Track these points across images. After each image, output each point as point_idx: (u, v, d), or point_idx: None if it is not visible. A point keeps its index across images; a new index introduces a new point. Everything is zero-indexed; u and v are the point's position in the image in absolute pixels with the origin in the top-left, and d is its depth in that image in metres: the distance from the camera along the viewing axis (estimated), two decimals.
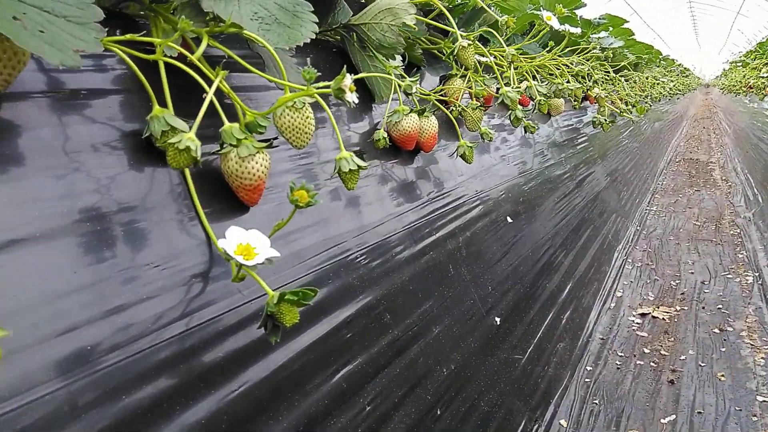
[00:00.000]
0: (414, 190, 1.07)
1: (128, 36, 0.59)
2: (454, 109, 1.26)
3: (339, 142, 0.66)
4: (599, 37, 2.80)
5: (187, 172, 0.62)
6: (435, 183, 1.16)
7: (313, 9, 0.78)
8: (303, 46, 1.07)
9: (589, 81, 2.07)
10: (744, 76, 7.21)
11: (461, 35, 1.01)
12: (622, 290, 1.90)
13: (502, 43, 1.12)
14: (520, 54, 1.85)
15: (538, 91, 1.39)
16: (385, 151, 1.07)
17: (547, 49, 2.36)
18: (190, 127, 0.55)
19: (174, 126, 0.59)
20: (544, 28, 1.32)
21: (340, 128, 1.00)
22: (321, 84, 0.57)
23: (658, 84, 4.20)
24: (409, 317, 0.88)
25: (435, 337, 0.92)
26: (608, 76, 2.54)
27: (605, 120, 2.45)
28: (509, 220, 1.42)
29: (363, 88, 1.11)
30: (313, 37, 0.75)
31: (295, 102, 0.68)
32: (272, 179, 0.78)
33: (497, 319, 1.14)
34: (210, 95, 0.57)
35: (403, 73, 1.07)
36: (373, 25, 1.02)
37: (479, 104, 1.32)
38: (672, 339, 1.54)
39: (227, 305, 0.60)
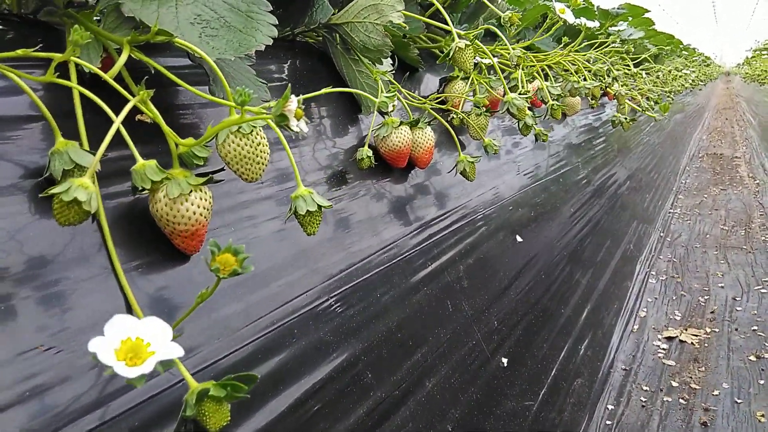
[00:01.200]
0: (407, 213, 0.95)
1: (19, 52, 0.47)
2: (455, 116, 1.14)
3: (296, 177, 0.54)
4: (618, 30, 2.66)
5: (103, 217, 0.50)
6: (433, 203, 1.03)
7: (271, 9, 0.66)
8: (278, 51, 0.94)
9: (608, 77, 1.93)
10: None
11: (459, 34, 0.88)
12: (645, 309, 1.77)
13: (507, 42, 0.99)
14: (532, 51, 1.72)
15: (550, 92, 1.26)
16: (372, 169, 0.95)
17: (562, 44, 2.22)
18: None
19: (80, 164, 0.48)
20: (557, 21, 1.18)
21: (321, 145, 0.89)
22: (256, 110, 0.45)
23: (680, 77, 4.03)
24: (397, 373, 0.76)
25: (429, 393, 0.80)
26: (628, 70, 2.39)
27: (626, 119, 2.31)
28: (519, 239, 1.29)
29: (348, 96, 0.99)
30: (269, 42, 0.62)
31: (241, 126, 0.56)
32: (235, 212, 0.67)
33: (504, 360, 1.01)
34: (117, 122, 0.45)
35: (392, 79, 0.94)
36: (356, 25, 0.90)
37: (484, 109, 1.19)
38: (703, 368, 1.41)
39: (146, 392, 0.48)
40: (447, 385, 0.84)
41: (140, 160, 0.48)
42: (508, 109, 0.91)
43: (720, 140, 6.97)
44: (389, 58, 0.97)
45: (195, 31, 0.61)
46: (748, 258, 2.22)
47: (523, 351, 1.09)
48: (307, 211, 0.52)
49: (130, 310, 0.50)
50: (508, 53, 1.02)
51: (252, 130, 0.56)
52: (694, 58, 7.80)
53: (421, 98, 1.03)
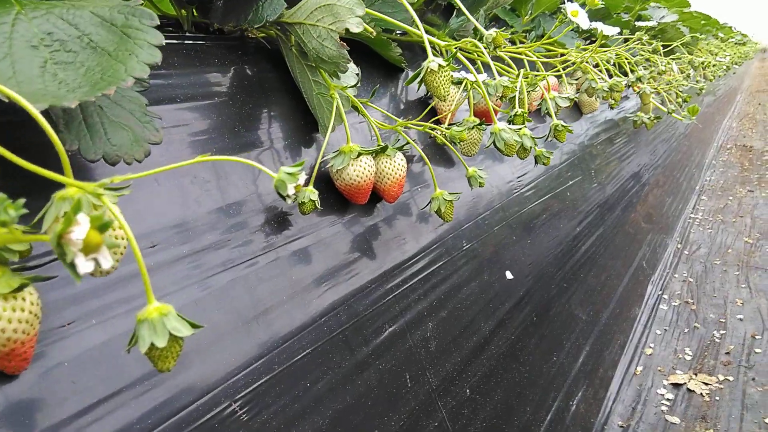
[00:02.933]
0: (363, 263, 0.79)
1: None
2: (439, 134, 0.97)
3: (147, 290, 0.39)
4: (645, 13, 2.45)
5: None
6: (401, 244, 0.88)
7: (158, 23, 0.49)
8: (222, 51, 0.78)
9: (632, 75, 1.74)
10: None
11: (434, 46, 0.71)
12: (653, 344, 1.62)
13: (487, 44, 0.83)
14: (546, 45, 1.54)
15: (557, 105, 1.09)
16: (327, 204, 0.79)
17: (586, 37, 2.02)
18: None
19: None
20: (568, 22, 1.00)
21: (264, 175, 0.73)
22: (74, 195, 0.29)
23: (714, 65, 3.80)
24: None
25: None
26: (657, 61, 2.19)
27: (649, 118, 2.13)
28: (509, 275, 1.13)
29: (305, 109, 0.83)
30: (144, 74, 0.47)
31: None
32: (102, 297, 0.52)
33: None
34: None
35: (351, 97, 0.78)
36: (308, 28, 0.73)
37: (477, 122, 1.03)
38: (711, 431, 1.27)
39: None
40: None
41: None
42: (494, 143, 0.75)
43: (751, 129, 6.71)
44: (352, 69, 0.81)
45: (36, 59, 0.45)
46: None
47: (502, 424, 0.95)
48: (152, 345, 0.37)
49: None
50: (520, 51, 0.85)
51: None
52: (730, 39, 7.48)
53: (393, 116, 0.86)
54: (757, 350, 1.58)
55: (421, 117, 0.86)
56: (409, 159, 1.02)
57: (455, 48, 0.70)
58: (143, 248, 0.54)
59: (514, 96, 0.98)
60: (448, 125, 1.07)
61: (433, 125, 0.84)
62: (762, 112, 8.15)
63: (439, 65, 0.66)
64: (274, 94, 0.80)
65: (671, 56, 2.77)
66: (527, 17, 1.68)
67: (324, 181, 0.79)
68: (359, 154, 0.75)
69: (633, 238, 2.10)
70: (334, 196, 0.80)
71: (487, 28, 1.68)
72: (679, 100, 2.47)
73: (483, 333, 0.99)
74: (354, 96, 0.81)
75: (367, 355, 0.73)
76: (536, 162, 1.02)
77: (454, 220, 1.05)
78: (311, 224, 0.75)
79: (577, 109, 1.98)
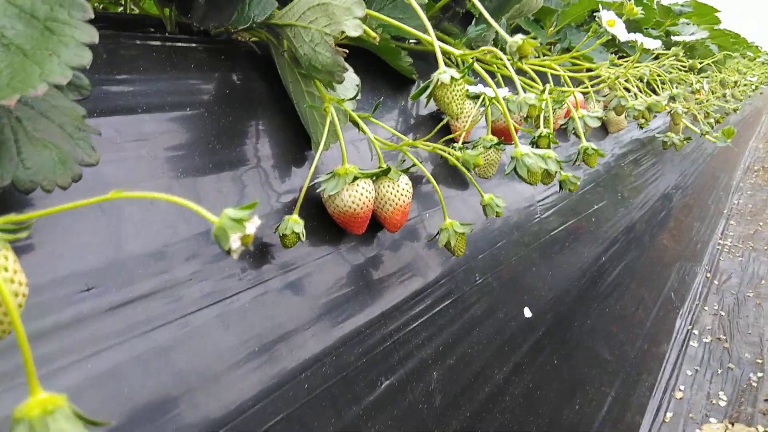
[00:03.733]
0: (359, 303, 0.69)
1: None
2: (451, 154, 0.87)
3: (29, 375, 0.28)
4: (677, 30, 2.34)
5: None
6: (404, 281, 0.77)
7: (92, 16, 0.40)
8: (205, 55, 0.69)
9: (664, 93, 1.63)
10: None
11: (448, 55, 0.61)
12: (683, 387, 1.50)
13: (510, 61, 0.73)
14: (573, 59, 1.43)
15: (586, 122, 0.98)
16: (319, 234, 0.69)
17: (616, 54, 1.91)
18: None
19: None
20: (603, 33, 0.90)
21: (257, 190, 0.64)
22: None
23: (745, 84, 3.67)
24: None
25: None
26: (689, 80, 2.08)
27: (679, 139, 2.01)
28: (527, 313, 1.02)
29: (297, 125, 0.74)
30: (64, 80, 0.37)
31: None
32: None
33: None
34: None
35: (349, 111, 0.68)
36: (300, 31, 0.63)
37: (495, 141, 0.93)
38: None
39: None
40: None
41: None
42: (515, 169, 0.65)
43: None
44: (351, 80, 0.71)
45: None
46: None
47: None
48: None
49: None
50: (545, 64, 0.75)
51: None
52: (758, 59, 7.34)
53: (399, 134, 0.76)
54: None
55: (431, 135, 0.76)
56: (418, 179, 0.92)
57: (472, 58, 0.60)
58: (75, 292, 0.44)
59: (539, 114, 0.87)
60: (462, 144, 0.97)
61: (442, 147, 0.74)
62: None
63: (452, 78, 0.55)
64: (262, 106, 0.71)
65: (701, 75, 2.65)
66: (552, 29, 1.57)
67: (315, 206, 0.69)
68: (356, 178, 0.65)
69: (660, 267, 1.98)
70: (327, 224, 0.69)
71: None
72: (711, 120, 2.35)
73: (496, 382, 0.88)
74: (353, 110, 0.71)
75: (357, 416, 0.62)
76: (560, 188, 0.91)
77: (467, 250, 0.94)
78: (296, 257, 0.64)
79: (603, 128, 1.87)
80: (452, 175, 1.01)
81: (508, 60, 0.55)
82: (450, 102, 0.56)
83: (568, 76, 1.16)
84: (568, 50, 1.51)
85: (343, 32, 0.57)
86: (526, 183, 0.68)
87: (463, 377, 0.81)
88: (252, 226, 0.28)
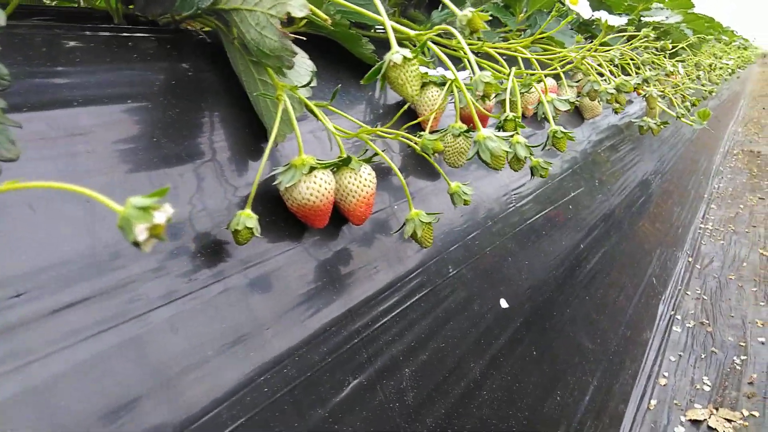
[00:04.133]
0: (324, 300, 0.66)
1: None
2: (412, 137, 0.84)
3: None
4: (652, 15, 2.34)
5: None
6: (372, 275, 0.75)
7: None
8: (149, 45, 0.66)
9: (637, 77, 1.62)
10: None
11: (402, 34, 0.59)
12: (667, 372, 1.49)
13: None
14: (541, 43, 1.42)
15: (555, 106, 0.96)
16: (278, 229, 0.67)
17: (587, 36, 1.90)
18: None
19: None
20: (567, 12, 0.88)
21: (201, 194, 0.61)
22: None
23: (720, 68, 3.69)
24: None
25: None
26: (663, 67, 2.08)
27: (656, 123, 2.00)
28: (504, 304, 1.00)
29: (252, 115, 0.71)
30: None
31: None
32: None
33: None
34: None
35: (303, 99, 0.66)
36: (246, 15, 0.61)
37: (464, 128, 0.90)
38: None
39: None
40: None
41: None
42: (478, 154, 0.62)
43: (757, 134, 6.60)
44: (306, 66, 0.68)
45: None
46: None
47: None
48: None
49: None
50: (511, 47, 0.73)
51: None
52: (733, 42, 7.40)
53: (360, 123, 0.73)
54: None
55: (392, 122, 0.73)
56: (389, 170, 0.90)
57: (427, 38, 0.58)
58: (3, 299, 0.41)
59: (507, 98, 0.85)
60: (429, 133, 0.94)
61: (403, 133, 0.71)
62: (767, 117, 8.04)
63: (404, 57, 0.53)
64: (213, 97, 0.68)
65: (676, 58, 2.65)
66: (522, 15, 1.55)
67: (275, 200, 0.66)
68: (312, 168, 0.62)
69: (641, 253, 1.97)
70: (288, 218, 0.67)
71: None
72: (687, 103, 2.35)
73: (473, 376, 0.85)
74: (309, 97, 0.68)
75: (323, 419, 0.59)
76: (532, 174, 0.89)
77: (439, 241, 0.92)
78: (255, 254, 0.62)
79: (578, 115, 1.85)
80: (424, 165, 0.99)
81: (461, 34, 0.52)
82: (404, 83, 0.53)
83: (539, 61, 1.14)
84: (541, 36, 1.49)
85: (288, 14, 0.54)
86: (491, 168, 0.65)
87: (437, 373, 0.79)
88: (162, 216, 0.25)
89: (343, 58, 0.93)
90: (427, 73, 0.73)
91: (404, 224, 0.72)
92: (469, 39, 0.96)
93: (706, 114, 1.78)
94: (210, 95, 0.68)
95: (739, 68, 7.77)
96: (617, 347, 1.40)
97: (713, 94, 2.26)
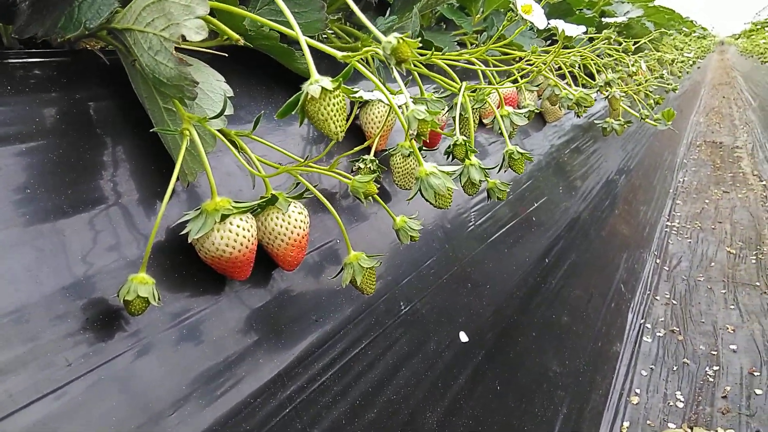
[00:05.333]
0: (249, 365, 0.57)
1: None
2: (350, 181, 0.76)
3: None
4: (609, 9, 2.29)
5: None
6: (308, 326, 0.66)
7: None
8: (35, 70, 0.56)
9: (600, 79, 1.56)
10: None
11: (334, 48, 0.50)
12: (639, 389, 1.43)
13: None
14: (500, 47, 1.34)
15: (513, 120, 0.89)
16: (197, 278, 0.57)
17: (549, 37, 1.83)
18: None
19: None
20: (519, 21, 0.80)
21: (108, 237, 0.51)
22: None
23: (682, 62, 3.69)
24: None
25: None
26: (625, 62, 2.03)
27: (620, 123, 1.95)
28: (464, 338, 0.92)
29: (161, 151, 0.62)
30: None
31: None
32: None
33: None
34: None
35: (214, 131, 0.56)
36: (139, 36, 0.51)
37: (415, 145, 0.81)
38: None
39: None
40: None
41: None
42: (421, 193, 0.54)
43: (718, 124, 6.69)
44: (221, 91, 0.59)
45: None
46: (764, 302, 1.90)
47: None
48: None
49: None
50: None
51: None
52: (693, 33, 7.49)
53: (291, 155, 0.64)
54: (758, 391, 1.40)
55: (324, 153, 0.65)
56: (332, 197, 0.81)
57: (355, 59, 0.49)
58: None
59: (457, 116, 0.77)
60: (376, 153, 0.86)
61: (336, 171, 0.62)
62: (727, 106, 8.17)
63: (323, 89, 0.44)
64: (111, 131, 0.58)
65: (639, 54, 2.62)
66: (479, 16, 1.48)
67: (187, 248, 0.57)
68: (224, 216, 0.53)
69: (608, 258, 1.92)
70: (203, 269, 0.57)
71: (431, 28, 1.46)
72: (651, 102, 2.31)
73: (430, 427, 0.77)
74: (226, 126, 0.59)
75: None
76: (489, 197, 0.81)
77: (390, 274, 0.84)
78: (155, 320, 0.52)
79: (540, 118, 1.79)
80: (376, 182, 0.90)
81: (388, 62, 0.44)
82: (326, 119, 0.45)
83: (497, 67, 1.06)
84: (498, 39, 1.41)
85: (182, 36, 0.45)
86: (436, 207, 0.57)
87: (388, 430, 0.70)
88: None
89: (282, 73, 0.83)
90: (362, 96, 0.65)
91: (342, 269, 0.63)
92: (418, 53, 0.87)
93: (671, 114, 1.73)
94: (108, 129, 0.58)
95: (700, 58, 7.87)
96: (587, 365, 1.34)
97: (676, 90, 2.23)
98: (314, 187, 0.67)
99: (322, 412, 0.62)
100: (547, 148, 1.75)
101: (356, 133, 0.91)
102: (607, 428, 1.25)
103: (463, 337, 0.92)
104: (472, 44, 1.43)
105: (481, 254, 1.09)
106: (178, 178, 0.60)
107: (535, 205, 1.44)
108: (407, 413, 0.74)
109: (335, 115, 0.45)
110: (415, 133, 0.48)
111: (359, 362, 0.70)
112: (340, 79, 0.44)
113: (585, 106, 1.04)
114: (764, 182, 3.73)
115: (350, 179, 0.59)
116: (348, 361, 0.69)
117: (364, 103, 0.90)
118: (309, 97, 0.44)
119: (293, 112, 0.45)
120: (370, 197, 0.58)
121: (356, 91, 0.47)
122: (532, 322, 1.18)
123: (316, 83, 0.44)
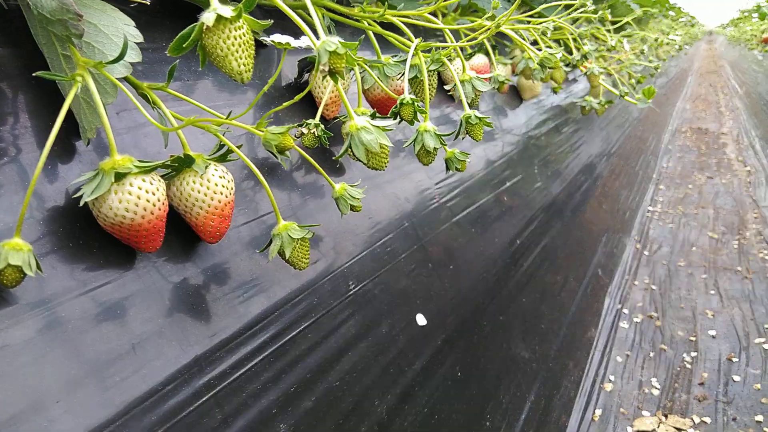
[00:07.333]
0: (160, 348, 0.51)
1: None
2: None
3: None
4: None
5: None
6: (236, 306, 0.60)
7: None
8: None
9: (577, 52, 1.50)
10: (763, 30, 6.69)
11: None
12: (613, 376, 1.38)
13: None
14: (469, 14, 1.29)
15: (474, 86, 0.83)
16: (102, 248, 0.51)
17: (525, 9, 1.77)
18: None
19: None
20: None
21: (5, 198, 0.45)
22: None
23: (668, 43, 3.64)
24: None
25: None
26: (605, 41, 1.97)
27: (599, 103, 1.90)
28: (421, 321, 0.86)
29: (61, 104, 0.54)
30: None
31: None
32: None
33: None
34: None
35: (113, 80, 0.50)
36: None
37: (369, 113, 0.75)
38: None
39: None
40: None
41: None
42: (350, 148, 0.48)
43: (704, 111, 6.67)
44: (125, 33, 0.52)
45: None
46: (745, 287, 1.86)
47: None
48: None
49: None
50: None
51: None
52: (680, 19, 7.46)
53: (208, 108, 0.58)
54: (736, 378, 1.36)
55: (249, 109, 0.58)
56: (274, 166, 0.74)
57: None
58: None
59: (406, 76, 0.70)
60: (327, 119, 0.80)
61: (243, 125, 0.56)
62: (714, 94, 8.16)
63: (220, 17, 0.37)
64: (11, 80, 0.51)
65: (622, 33, 2.56)
66: None
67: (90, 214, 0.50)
68: (121, 175, 0.46)
69: (586, 242, 1.87)
70: (108, 238, 0.51)
71: None
72: (632, 81, 2.26)
73: (378, 416, 0.72)
74: (132, 74, 0.53)
75: None
76: (447, 168, 0.76)
77: (337, 251, 0.78)
78: (53, 293, 0.46)
79: (516, 95, 1.73)
80: (328, 158, 0.84)
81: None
82: (226, 55, 0.38)
83: (458, 30, 1.00)
84: (468, 6, 1.35)
85: None
86: (370, 168, 0.51)
87: (328, 420, 0.64)
88: None
89: None
90: (289, 43, 0.58)
91: (269, 242, 0.57)
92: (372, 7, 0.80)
93: (651, 92, 1.67)
94: (7, 78, 0.51)
95: (687, 45, 7.86)
96: (558, 351, 1.29)
97: (659, 70, 2.18)
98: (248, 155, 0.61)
99: (247, 401, 0.56)
100: (522, 128, 1.69)
101: (311, 104, 0.84)
102: (579, 416, 1.20)
103: (421, 320, 0.87)
104: (442, 14, 1.36)
105: (444, 233, 1.03)
106: (80, 136, 0.53)
107: (508, 184, 1.39)
108: (351, 401, 0.68)
109: (237, 50, 0.39)
110: (327, 68, 0.41)
111: (296, 346, 0.64)
112: (241, 6, 0.38)
113: (550, 68, 0.97)
114: (749, 168, 3.71)
115: (263, 131, 0.53)
116: (283, 344, 0.63)
117: (312, 66, 0.84)
118: (204, 27, 0.38)
119: (185, 46, 0.38)
120: (286, 152, 0.51)
121: (266, 24, 0.40)
122: (499, 305, 1.12)
123: (213, 11, 0.38)
